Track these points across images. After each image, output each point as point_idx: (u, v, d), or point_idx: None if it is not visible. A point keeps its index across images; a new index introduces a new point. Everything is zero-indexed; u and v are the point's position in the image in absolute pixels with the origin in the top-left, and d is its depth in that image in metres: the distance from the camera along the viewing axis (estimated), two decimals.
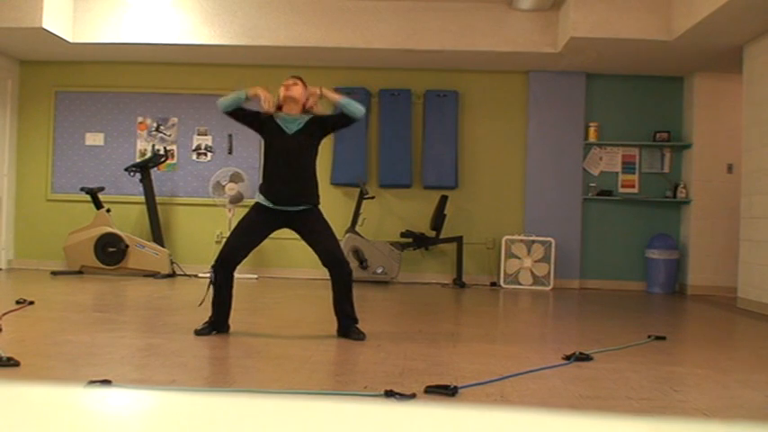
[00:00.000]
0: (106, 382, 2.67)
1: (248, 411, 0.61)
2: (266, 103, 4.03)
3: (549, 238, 7.68)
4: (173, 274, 7.71)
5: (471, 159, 8.13)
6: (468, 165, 8.13)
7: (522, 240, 7.72)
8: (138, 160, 8.04)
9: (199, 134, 8.26)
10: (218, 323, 4.03)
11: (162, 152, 8.12)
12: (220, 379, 3.11)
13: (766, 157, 6.13)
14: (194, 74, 8.19)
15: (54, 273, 7.54)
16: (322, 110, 4.17)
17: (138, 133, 8.28)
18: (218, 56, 7.67)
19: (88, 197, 7.75)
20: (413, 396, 2.69)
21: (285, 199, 4.00)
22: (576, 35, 6.60)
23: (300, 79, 4.15)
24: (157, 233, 7.78)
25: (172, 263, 7.74)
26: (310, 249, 4.07)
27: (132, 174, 7.77)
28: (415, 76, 8.09)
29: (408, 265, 7.93)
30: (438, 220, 7.67)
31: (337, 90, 4.43)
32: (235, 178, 7.77)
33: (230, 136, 8.19)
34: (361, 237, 7.54)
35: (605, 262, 8.05)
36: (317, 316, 5.25)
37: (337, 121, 4.14)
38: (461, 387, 2.83)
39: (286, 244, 7.99)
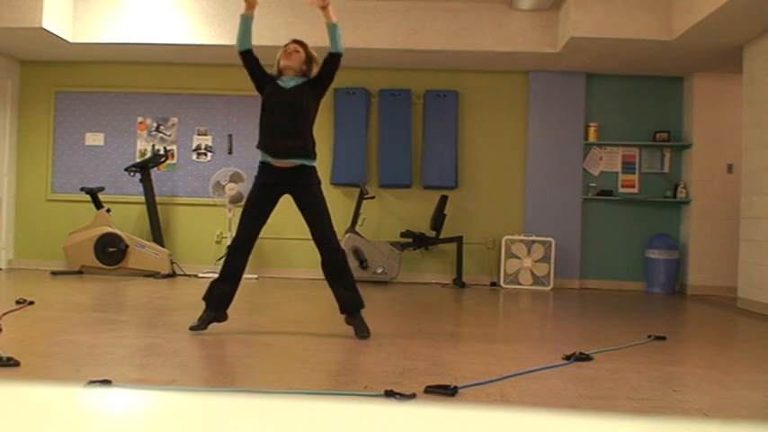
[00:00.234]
0: (106, 382, 2.67)
1: (248, 411, 0.61)
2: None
3: (549, 238, 7.68)
4: (173, 274, 7.71)
5: (471, 159, 8.13)
6: (468, 165, 8.13)
7: (522, 240, 7.72)
8: (138, 160, 8.04)
9: (199, 134, 8.26)
10: (218, 307, 4.00)
11: (162, 152, 8.12)
12: (220, 379, 3.11)
13: (766, 157, 6.13)
14: (194, 74, 8.20)
15: (54, 273, 7.54)
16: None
17: (138, 133, 8.28)
18: (218, 56, 7.67)
19: (88, 197, 7.75)
20: (413, 396, 2.69)
21: (282, 150, 3.96)
22: (575, 35, 6.61)
23: (302, 45, 4.10)
24: (157, 233, 7.79)
25: (172, 263, 7.75)
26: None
27: (132, 174, 7.78)
28: (414, 76, 8.09)
29: (408, 265, 7.93)
30: (438, 220, 7.67)
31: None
32: (235, 178, 7.77)
33: (230, 136, 8.20)
34: (361, 237, 7.54)
35: (605, 262, 8.05)
36: (317, 316, 5.26)
37: (326, 68, 4.04)
38: (461, 387, 2.83)
39: (286, 244, 8.01)
